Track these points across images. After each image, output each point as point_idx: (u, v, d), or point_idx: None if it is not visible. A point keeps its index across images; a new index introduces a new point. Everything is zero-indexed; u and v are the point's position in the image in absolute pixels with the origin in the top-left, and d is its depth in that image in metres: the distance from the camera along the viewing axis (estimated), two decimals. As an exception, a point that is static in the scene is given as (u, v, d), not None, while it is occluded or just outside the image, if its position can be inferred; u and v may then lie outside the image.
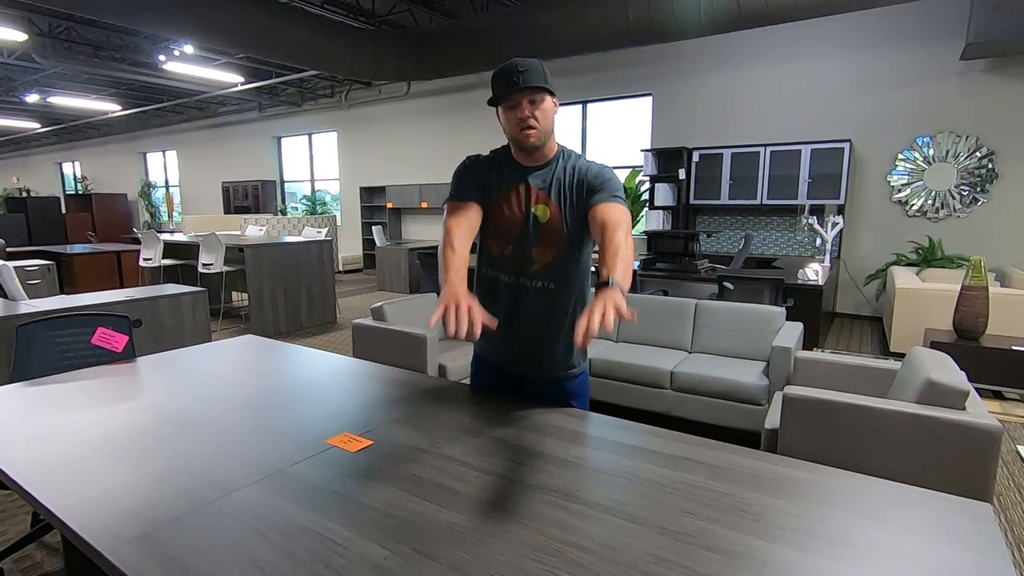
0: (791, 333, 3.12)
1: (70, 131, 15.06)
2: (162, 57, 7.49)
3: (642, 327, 3.73)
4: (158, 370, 2.14)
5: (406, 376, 2.07)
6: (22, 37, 6.64)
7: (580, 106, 8.29)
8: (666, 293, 4.75)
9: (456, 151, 9.46)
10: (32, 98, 10.24)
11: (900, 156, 6.07)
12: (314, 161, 12.10)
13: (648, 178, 7.27)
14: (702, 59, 7.00)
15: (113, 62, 8.11)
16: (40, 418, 1.66)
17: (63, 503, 1.19)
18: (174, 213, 15.26)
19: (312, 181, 12.21)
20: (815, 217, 5.53)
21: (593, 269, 1.72)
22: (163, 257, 6.57)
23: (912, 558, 1.00)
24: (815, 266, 5.13)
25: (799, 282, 4.38)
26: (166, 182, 15.47)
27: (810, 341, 4.31)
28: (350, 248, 11.31)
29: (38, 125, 14.17)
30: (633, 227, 7.49)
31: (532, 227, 1.62)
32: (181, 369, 2.15)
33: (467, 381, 3.42)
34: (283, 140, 12.49)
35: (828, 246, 5.46)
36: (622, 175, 7.76)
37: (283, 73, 9.15)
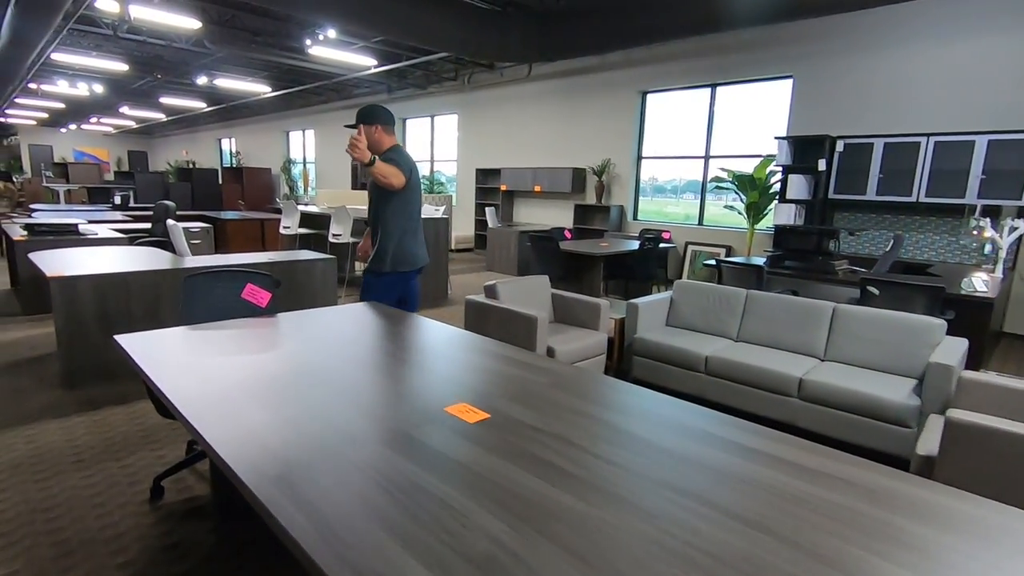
0: (953, 350, 2.71)
1: (229, 111, 16.93)
2: (308, 41, 8.12)
3: (767, 328, 3.45)
4: (295, 327, 2.32)
5: (520, 354, 2.06)
6: (197, 25, 7.51)
7: (708, 89, 7.79)
8: (796, 293, 4.34)
9: (573, 135, 9.34)
10: (201, 80, 11.61)
11: (1111, 151, 5.02)
12: (435, 142, 12.58)
13: (780, 168, 6.68)
14: (855, 36, 6.25)
15: (267, 47, 8.93)
16: (201, 358, 1.86)
17: (218, 435, 1.31)
18: (309, 187, 16.65)
19: (432, 162, 12.71)
20: (988, 219, 4.75)
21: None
22: (299, 226, 7.17)
23: None
24: (982, 276, 4.43)
25: (963, 293, 3.80)
26: (304, 159, 16.91)
27: (971, 362, 3.73)
28: (462, 228, 11.66)
29: (204, 105, 16.07)
30: (759, 220, 7.00)
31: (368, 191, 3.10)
32: (315, 328, 2.32)
33: (580, 364, 3.38)
34: (408, 122, 13.10)
35: (1002, 254, 4.68)
36: (751, 164, 7.21)
37: (412, 56, 9.54)
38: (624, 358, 3.73)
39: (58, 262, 3.71)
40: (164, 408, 2.19)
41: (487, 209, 9.45)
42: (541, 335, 3.19)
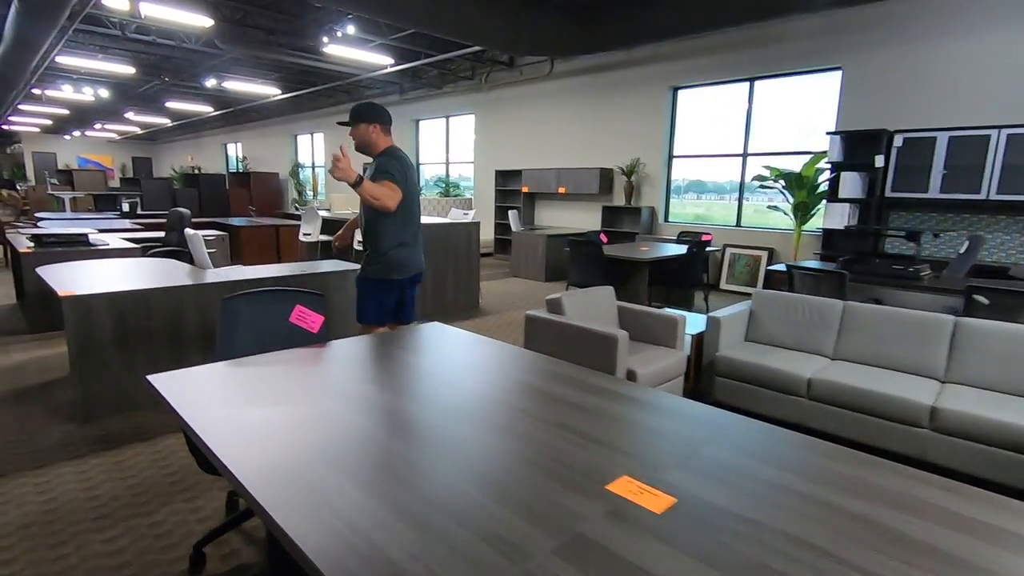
0: (1123, 373, 2.31)
1: (236, 115, 16.58)
2: (325, 39, 7.74)
3: (871, 344, 3.04)
4: (357, 359, 1.93)
5: (651, 395, 1.66)
6: (209, 23, 7.14)
7: (746, 84, 7.40)
8: (879, 302, 3.95)
9: (599, 134, 8.95)
10: (210, 83, 11.26)
11: None
12: (449, 144, 12.21)
13: (829, 165, 6.28)
14: (911, 23, 5.85)
15: (280, 47, 8.57)
16: (256, 409, 1.47)
17: (315, 542, 0.92)
18: (318, 191, 16.30)
19: (447, 164, 12.34)
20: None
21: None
22: (319, 232, 6.80)
23: None
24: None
25: (1080, 301, 3.39)
26: (312, 163, 16.55)
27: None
28: (482, 232, 11.27)
29: (211, 109, 15.73)
30: (807, 221, 6.59)
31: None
32: (381, 359, 1.93)
33: (660, 387, 2.99)
34: (421, 123, 12.73)
35: (1098, 255, 4.28)
36: (793, 161, 6.82)
37: (431, 54, 9.17)
38: (702, 378, 3.34)
39: (69, 278, 3.33)
40: (207, 462, 1.81)
41: (510, 212, 9.06)
42: (622, 356, 2.80)
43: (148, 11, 6.44)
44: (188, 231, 4.18)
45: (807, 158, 6.60)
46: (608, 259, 5.52)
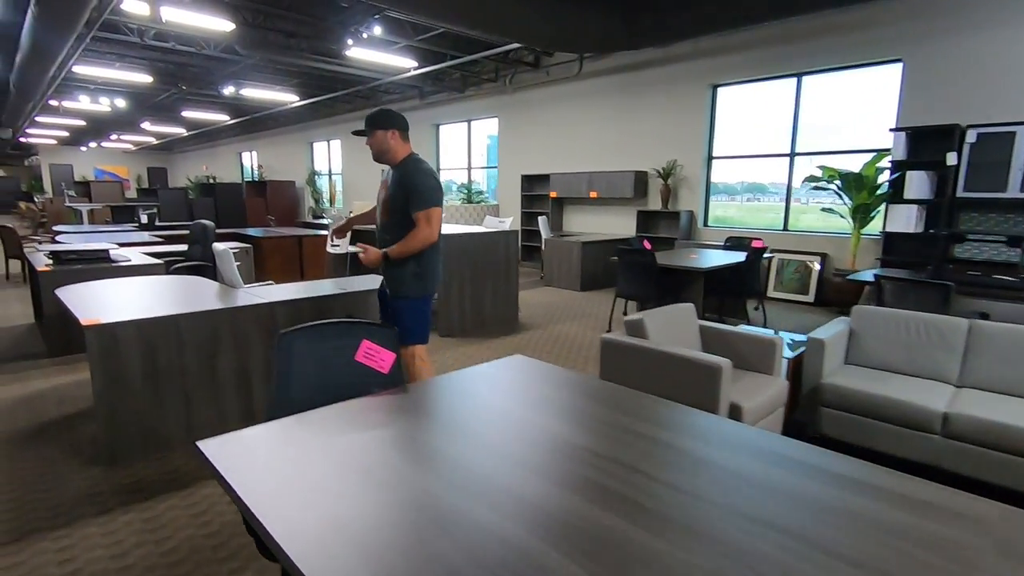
0: None
1: (252, 123, 16.42)
2: (349, 41, 7.45)
3: (1009, 371, 2.63)
4: (444, 410, 1.57)
5: (836, 462, 1.27)
6: (230, 27, 6.88)
7: (794, 79, 6.99)
8: (986, 317, 3.53)
9: (633, 135, 8.57)
10: (228, 90, 11.04)
11: None
12: (472, 148, 11.89)
13: (890, 164, 5.86)
14: (981, 8, 5.42)
15: (301, 51, 8.29)
16: (336, 488, 1.11)
17: None
18: (336, 200, 16.06)
19: (469, 169, 12.02)
20: None
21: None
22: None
23: None
24: None
25: None
26: (329, 170, 16.32)
27: None
28: (505, 239, 10.92)
29: (227, 117, 15.57)
30: (866, 224, 6.16)
31: (381, 200, 2.79)
32: (474, 410, 1.56)
33: (762, 423, 2.60)
34: (441, 128, 12.42)
35: None
36: (851, 160, 6.41)
37: (455, 56, 8.86)
38: (801, 408, 2.94)
39: (92, 301, 3.01)
40: (265, 548, 1.45)
41: (539, 218, 8.70)
42: (725, 389, 2.41)
43: (169, 16, 6.18)
44: (217, 247, 3.86)
45: (862, 157, 6.18)
46: (659, 269, 5.13)
